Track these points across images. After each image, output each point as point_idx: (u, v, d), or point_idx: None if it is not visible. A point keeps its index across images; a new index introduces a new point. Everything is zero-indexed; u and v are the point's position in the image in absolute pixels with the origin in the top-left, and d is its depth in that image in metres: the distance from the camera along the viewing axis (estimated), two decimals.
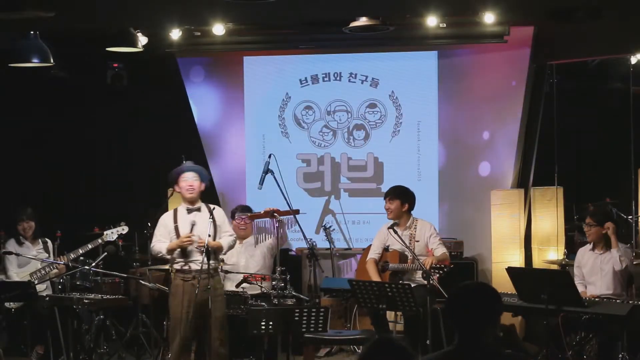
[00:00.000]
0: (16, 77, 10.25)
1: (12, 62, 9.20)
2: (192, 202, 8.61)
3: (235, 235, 8.89)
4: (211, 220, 8.41)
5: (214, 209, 8.63)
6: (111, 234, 9.45)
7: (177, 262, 8.47)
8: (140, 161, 11.70)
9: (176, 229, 8.51)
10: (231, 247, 8.75)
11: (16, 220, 9.51)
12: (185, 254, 8.46)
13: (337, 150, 11.32)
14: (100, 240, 9.45)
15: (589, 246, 8.84)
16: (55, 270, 9.52)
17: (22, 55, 9.08)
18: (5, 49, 9.27)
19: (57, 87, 11.29)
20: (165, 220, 8.64)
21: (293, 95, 11.35)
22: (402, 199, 9.23)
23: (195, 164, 8.83)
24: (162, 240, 8.53)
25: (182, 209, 8.63)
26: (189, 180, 8.57)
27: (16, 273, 9.44)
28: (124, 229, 9.50)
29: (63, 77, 10.96)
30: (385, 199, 9.31)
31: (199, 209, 8.59)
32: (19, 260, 9.48)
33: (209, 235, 8.32)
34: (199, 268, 8.33)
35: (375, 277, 9.13)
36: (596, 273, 8.66)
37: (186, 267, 8.45)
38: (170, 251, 8.46)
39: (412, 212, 9.28)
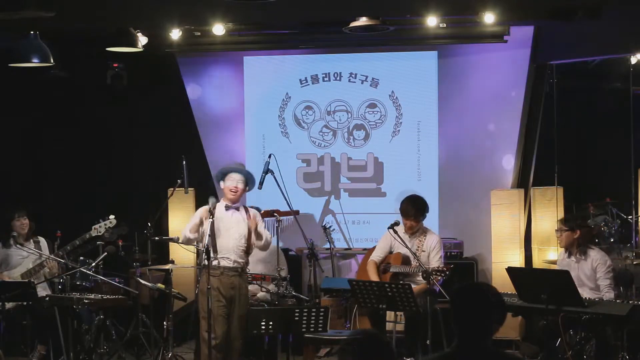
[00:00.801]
0: (16, 77, 10.24)
1: (12, 62, 9.19)
2: (233, 202, 8.70)
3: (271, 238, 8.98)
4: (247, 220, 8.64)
5: (244, 205, 8.86)
6: (99, 228, 9.41)
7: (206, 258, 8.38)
8: (140, 161, 11.69)
9: (211, 222, 8.45)
10: (268, 243, 8.81)
11: (10, 219, 9.48)
12: (215, 249, 8.48)
13: (337, 150, 11.32)
14: (88, 236, 9.40)
15: (566, 253, 8.85)
16: (46, 269, 9.49)
17: (22, 55, 9.07)
18: (5, 48, 9.27)
19: (57, 87, 11.28)
20: (201, 212, 8.67)
21: (293, 95, 11.35)
22: (425, 215, 9.20)
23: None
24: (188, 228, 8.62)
25: (221, 205, 8.68)
26: (235, 182, 8.65)
27: (6, 273, 9.42)
28: (112, 222, 9.44)
29: (63, 77, 10.95)
30: (408, 217, 9.14)
31: (237, 209, 8.70)
32: (8, 261, 9.47)
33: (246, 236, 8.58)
34: (228, 265, 8.45)
35: (374, 279, 9.12)
36: (578, 281, 8.65)
37: (216, 262, 8.46)
38: (193, 230, 8.56)
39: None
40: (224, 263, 8.50)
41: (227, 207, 8.65)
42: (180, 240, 8.78)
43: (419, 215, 9.16)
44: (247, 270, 8.83)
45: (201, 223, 8.54)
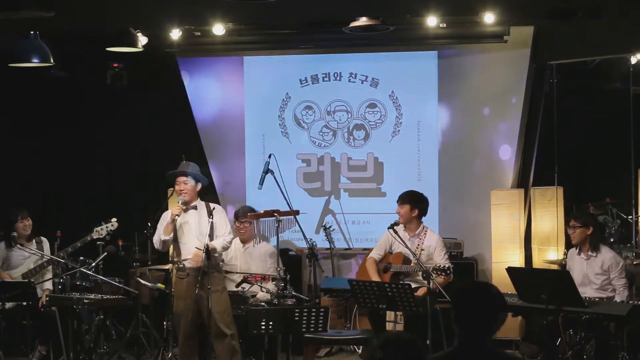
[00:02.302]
0: (16, 77, 10.24)
1: (12, 62, 9.19)
2: (188, 202, 8.80)
3: (231, 237, 8.98)
4: (210, 220, 8.53)
5: (213, 208, 8.74)
6: (101, 230, 9.42)
7: (174, 261, 8.71)
8: (140, 161, 11.69)
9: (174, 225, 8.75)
10: (225, 248, 8.88)
11: (14, 220, 9.48)
12: (179, 252, 8.68)
13: (337, 150, 11.32)
14: (89, 238, 9.41)
15: (576, 250, 8.85)
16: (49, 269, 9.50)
17: (22, 55, 9.07)
18: (5, 49, 9.26)
19: (57, 87, 11.28)
20: (165, 217, 8.86)
21: (293, 95, 11.34)
22: (412, 204, 9.25)
23: (192, 164, 8.97)
24: (161, 231, 8.81)
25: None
26: (180, 184, 8.82)
27: (8, 274, 9.42)
28: (113, 225, 9.45)
29: (63, 77, 10.95)
30: (399, 204, 9.33)
31: (195, 207, 8.79)
32: (9, 262, 9.47)
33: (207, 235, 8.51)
34: (192, 266, 8.51)
35: (374, 276, 9.15)
36: (584, 277, 8.66)
37: (181, 265, 8.58)
38: (166, 232, 8.72)
39: (422, 218, 9.32)
40: (188, 265, 8.66)
41: (186, 209, 8.77)
42: (156, 247, 8.91)
43: (412, 203, 9.20)
44: (220, 265, 8.94)
45: (173, 222, 8.73)
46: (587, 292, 8.51)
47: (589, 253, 8.69)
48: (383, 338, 4.22)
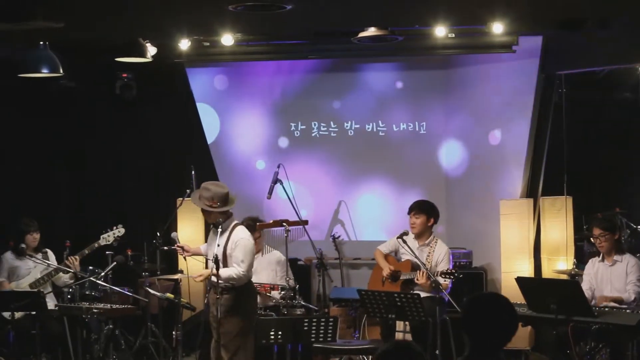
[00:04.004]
0: (26, 87, 10.27)
1: (22, 72, 9.22)
2: (211, 222, 8.31)
3: (241, 272, 8.05)
4: (224, 238, 8.14)
5: (234, 228, 8.22)
6: (108, 237, 9.42)
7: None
8: (149, 171, 11.72)
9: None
10: (230, 279, 8.02)
11: (25, 232, 9.50)
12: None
13: (346, 159, 11.33)
14: (96, 245, 9.41)
15: (597, 258, 8.81)
16: (61, 275, 9.50)
17: (31, 65, 9.09)
18: (15, 59, 9.30)
19: (66, 97, 11.31)
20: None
21: (303, 104, 11.35)
22: (428, 214, 9.25)
23: (202, 187, 8.37)
24: None
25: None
26: (202, 205, 8.24)
27: (15, 284, 9.44)
28: (120, 231, 9.43)
29: (72, 87, 10.98)
30: (409, 213, 9.30)
31: (222, 231, 8.17)
32: (16, 272, 9.49)
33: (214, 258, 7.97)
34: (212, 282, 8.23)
35: (382, 263, 9.26)
36: (607, 284, 8.63)
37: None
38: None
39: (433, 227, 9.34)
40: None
41: (214, 231, 8.24)
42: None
43: (418, 211, 9.20)
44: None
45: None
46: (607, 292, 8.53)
47: (615, 258, 8.64)
48: (384, 348, 4.24)
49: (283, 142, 11.42)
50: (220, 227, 8.12)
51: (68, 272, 9.35)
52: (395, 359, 4.18)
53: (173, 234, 8.53)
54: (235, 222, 8.29)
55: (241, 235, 8.14)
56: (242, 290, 8.11)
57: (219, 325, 8.08)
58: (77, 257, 9.29)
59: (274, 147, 11.41)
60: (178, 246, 8.39)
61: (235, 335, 8.10)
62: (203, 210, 8.26)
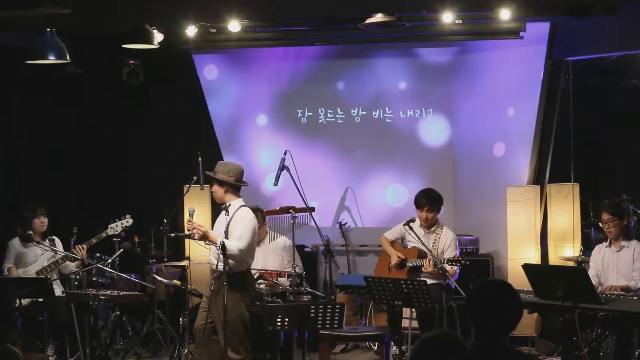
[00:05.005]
0: (33, 74, 10.28)
1: (29, 59, 9.23)
2: (219, 202, 8.42)
3: (240, 245, 8.10)
4: (227, 219, 8.20)
5: (239, 207, 8.30)
6: (115, 227, 9.43)
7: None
8: (156, 158, 11.73)
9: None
10: (226, 247, 7.97)
11: (32, 217, 9.51)
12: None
13: (353, 145, 11.33)
14: (104, 234, 9.41)
15: (604, 243, 8.80)
16: (68, 263, 9.52)
17: (38, 52, 9.11)
18: (22, 46, 9.30)
19: (73, 84, 11.31)
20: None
21: (310, 91, 11.34)
22: (439, 207, 9.24)
23: (219, 164, 8.52)
24: None
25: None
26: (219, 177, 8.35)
27: (23, 270, 9.46)
28: (128, 222, 9.43)
29: (79, 74, 10.98)
30: (422, 208, 9.24)
31: (226, 210, 8.24)
32: (24, 259, 9.51)
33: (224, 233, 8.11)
34: (213, 269, 8.26)
35: (389, 250, 9.29)
36: (612, 270, 8.63)
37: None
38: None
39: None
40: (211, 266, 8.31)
41: (222, 208, 8.32)
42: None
43: (432, 206, 9.19)
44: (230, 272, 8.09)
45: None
46: (614, 279, 8.51)
47: (622, 244, 8.62)
48: (430, 334, 4.17)
49: (290, 128, 11.41)
50: (227, 210, 8.20)
51: (76, 259, 9.35)
52: (439, 347, 4.11)
53: (190, 209, 8.45)
54: (242, 204, 8.35)
55: (244, 213, 8.24)
56: (238, 280, 8.12)
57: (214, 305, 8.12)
58: (84, 245, 9.30)
59: (280, 134, 11.40)
60: (189, 221, 8.34)
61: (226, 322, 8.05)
62: (216, 186, 8.31)
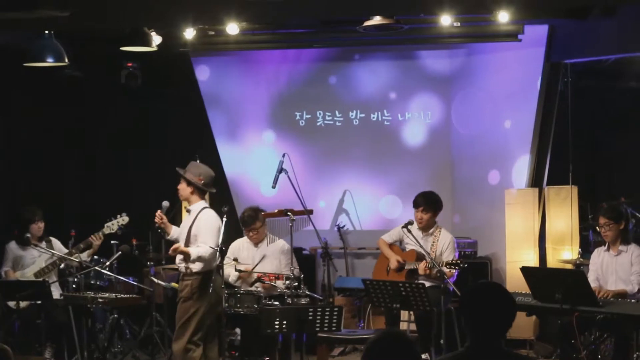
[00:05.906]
0: (31, 76, 10.27)
1: (27, 61, 9.23)
2: (186, 202, 8.69)
3: (205, 249, 8.32)
4: (191, 224, 8.44)
5: (202, 210, 8.50)
6: (112, 225, 9.42)
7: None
8: (154, 160, 11.72)
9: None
10: (201, 257, 8.29)
11: (30, 221, 9.50)
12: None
13: (351, 148, 11.32)
14: (101, 233, 9.39)
15: (603, 247, 8.78)
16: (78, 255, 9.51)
17: (36, 54, 9.11)
18: (21, 48, 9.29)
19: (71, 87, 11.31)
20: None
21: (308, 93, 11.34)
22: (435, 210, 9.23)
23: (191, 164, 8.71)
24: None
25: None
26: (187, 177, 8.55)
27: (20, 273, 9.45)
28: (124, 219, 9.42)
29: (77, 77, 10.97)
30: (417, 208, 9.24)
31: (190, 212, 8.57)
32: (21, 262, 9.50)
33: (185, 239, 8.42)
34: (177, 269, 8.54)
35: (388, 252, 9.29)
36: (612, 274, 8.61)
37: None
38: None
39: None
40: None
41: (187, 210, 8.68)
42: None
43: (428, 207, 9.17)
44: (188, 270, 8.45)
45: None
46: (613, 283, 8.50)
47: (620, 248, 8.60)
48: (375, 337, 4.22)
49: (288, 131, 11.41)
50: (190, 210, 8.50)
51: (73, 262, 9.34)
52: (386, 348, 4.15)
53: (164, 203, 8.58)
54: (205, 205, 8.56)
55: (207, 216, 8.44)
56: (202, 279, 8.35)
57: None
58: (100, 234, 9.30)
59: (279, 136, 11.40)
60: (159, 214, 8.51)
61: (185, 320, 8.36)
62: (183, 184, 8.52)
